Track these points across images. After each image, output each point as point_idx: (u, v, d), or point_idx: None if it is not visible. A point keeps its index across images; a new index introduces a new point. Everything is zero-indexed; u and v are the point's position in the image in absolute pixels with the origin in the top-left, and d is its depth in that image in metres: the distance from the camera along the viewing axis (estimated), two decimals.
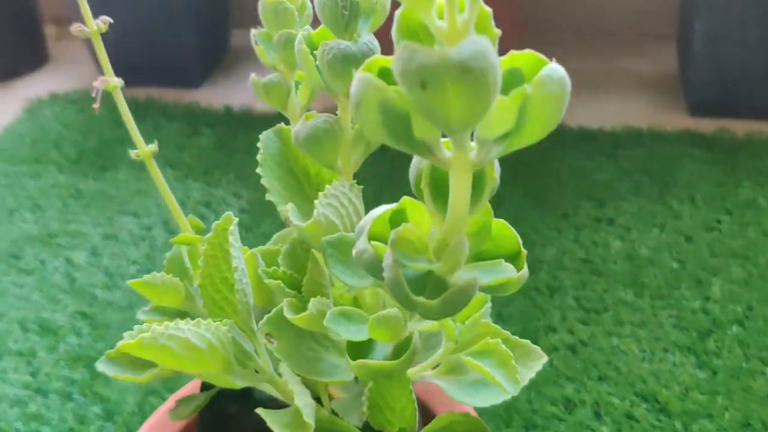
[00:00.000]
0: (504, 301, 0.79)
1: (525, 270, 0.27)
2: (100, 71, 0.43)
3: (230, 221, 0.36)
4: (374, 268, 0.27)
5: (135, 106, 1.22)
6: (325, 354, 0.37)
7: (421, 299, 0.24)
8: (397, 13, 0.23)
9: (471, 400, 0.36)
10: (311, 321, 0.33)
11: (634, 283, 0.82)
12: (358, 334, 0.32)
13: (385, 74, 0.23)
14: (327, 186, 0.34)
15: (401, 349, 0.32)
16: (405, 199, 0.28)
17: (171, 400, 0.51)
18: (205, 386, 0.47)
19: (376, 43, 0.34)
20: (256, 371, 0.36)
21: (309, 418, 0.32)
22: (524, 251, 0.28)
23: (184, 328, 0.32)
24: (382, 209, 0.28)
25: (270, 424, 0.32)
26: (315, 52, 0.35)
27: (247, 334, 0.36)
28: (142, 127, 1.17)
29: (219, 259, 0.36)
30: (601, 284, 0.82)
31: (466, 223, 0.25)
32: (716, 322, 0.77)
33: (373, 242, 0.27)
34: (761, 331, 0.75)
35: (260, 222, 0.95)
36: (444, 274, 0.25)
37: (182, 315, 0.45)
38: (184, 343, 0.31)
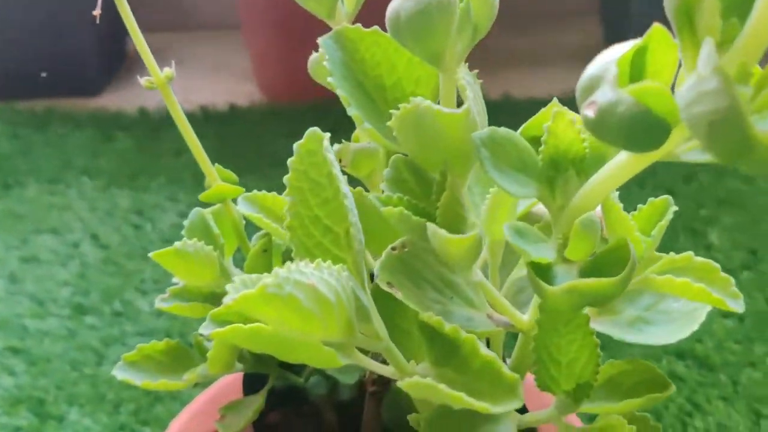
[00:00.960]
0: None
1: None
2: None
3: (320, 138, 0.26)
4: (640, 124, 0.18)
5: (34, 118, 1.07)
6: (451, 306, 0.28)
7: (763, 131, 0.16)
8: None
9: (642, 337, 0.28)
10: (470, 248, 0.24)
11: None
12: (542, 251, 0.23)
13: None
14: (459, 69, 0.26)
15: (595, 268, 0.24)
16: (654, 28, 0.20)
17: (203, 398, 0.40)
18: (249, 386, 0.37)
19: None
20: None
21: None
22: None
23: (307, 272, 0.22)
24: (618, 50, 0.20)
25: None
26: None
27: (363, 288, 0.26)
28: (46, 138, 1.01)
29: (306, 192, 0.27)
30: None
31: None
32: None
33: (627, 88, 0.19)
34: None
35: None
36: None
37: (214, 299, 0.35)
38: (312, 293, 0.22)
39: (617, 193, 0.27)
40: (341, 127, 0.93)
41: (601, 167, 0.24)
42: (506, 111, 1.03)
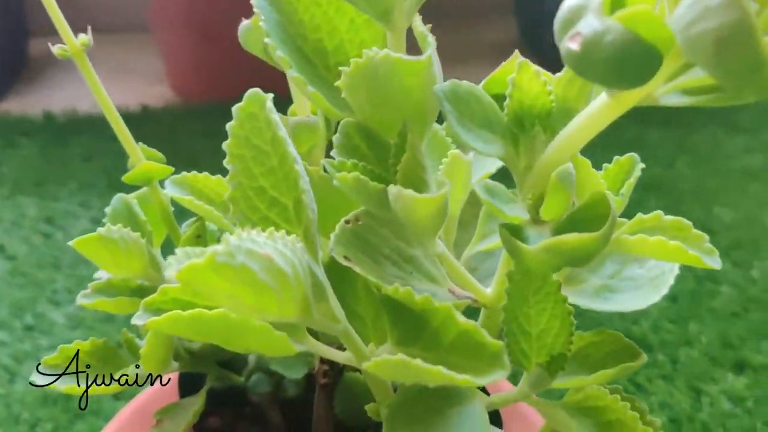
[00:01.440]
0: None
1: None
2: None
3: (262, 99, 0.24)
4: (630, 57, 0.17)
5: None
6: (412, 281, 0.26)
7: None
8: None
9: (609, 304, 0.27)
10: (438, 210, 0.22)
11: None
12: (514, 210, 0.22)
13: None
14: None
15: (571, 226, 0.22)
16: None
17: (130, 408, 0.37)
18: (185, 387, 0.34)
19: None
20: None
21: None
22: None
23: (260, 241, 0.19)
24: None
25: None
26: None
27: (317, 262, 0.23)
28: None
29: (248, 160, 0.24)
30: None
31: None
32: None
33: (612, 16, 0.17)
34: None
35: None
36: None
37: (142, 292, 0.32)
38: (267, 264, 0.19)
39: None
40: None
41: (569, 122, 0.23)
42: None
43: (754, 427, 0.55)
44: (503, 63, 0.26)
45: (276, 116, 0.24)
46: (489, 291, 0.26)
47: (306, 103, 0.31)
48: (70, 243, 0.29)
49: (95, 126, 0.98)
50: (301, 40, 0.29)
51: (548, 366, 0.25)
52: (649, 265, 0.28)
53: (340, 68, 0.25)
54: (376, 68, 0.23)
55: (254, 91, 0.24)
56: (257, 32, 0.31)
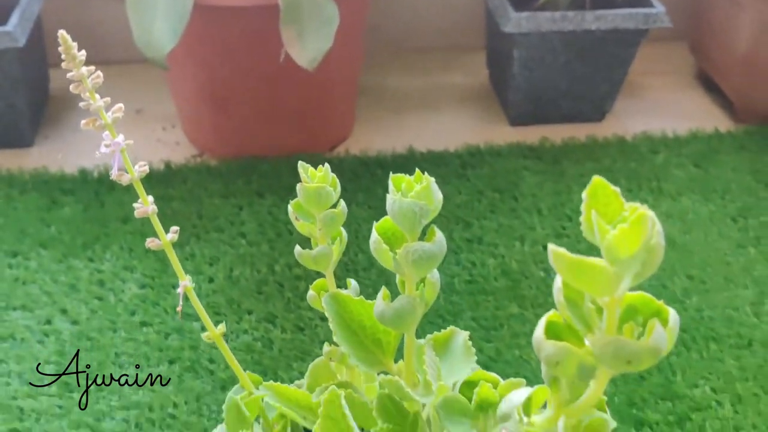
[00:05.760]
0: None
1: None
2: None
3: (337, 396, 0.43)
4: None
5: None
6: None
7: None
8: (558, 285, 0.33)
9: None
10: None
11: (516, 297, 0.97)
12: None
13: (554, 327, 0.33)
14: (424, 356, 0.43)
15: None
16: (537, 388, 0.37)
17: None
18: None
19: (444, 241, 0.42)
20: None
21: None
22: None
23: None
24: (519, 396, 0.37)
25: None
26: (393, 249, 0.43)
27: None
28: None
29: (331, 427, 0.43)
30: (491, 302, 0.97)
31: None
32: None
33: (523, 423, 0.36)
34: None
35: (165, 294, 0.96)
36: None
37: None
38: None
39: None
40: (268, 183, 1.18)
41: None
42: (411, 164, 1.20)
43: None
44: (473, 372, 0.45)
45: (344, 401, 0.43)
46: None
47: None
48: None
49: (128, 189, 1.15)
50: (350, 321, 0.48)
51: None
52: None
53: (371, 341, 0.44)
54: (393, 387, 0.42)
55: (333, 391, 0.43)
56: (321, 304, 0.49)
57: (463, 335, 0.51)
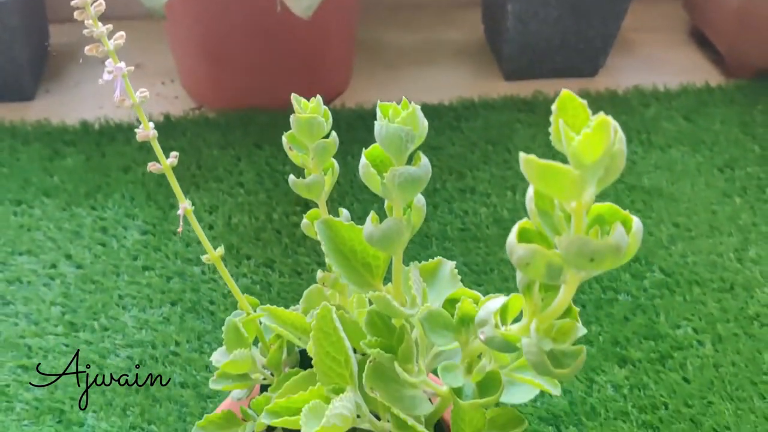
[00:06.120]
0: None
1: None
2: None
3: (329, 310, 0.46)
4: (504, 347, 0.39)
5: None
6: (404, 391, 0.49)
7: (560, 371, 0.38)
8: (530, 194, 0.35)
9: (508, 399, 0.51)
10: (419, 382, 0.45)
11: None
12: (456, 381, 0.45)
13: (526, 233, 0.36)
14: (410, 274, 0.46)
15: (484, 386, 0.45)
16: (512, 296, 0.40)
17: None
18: None
19: (428, 163, 0.45)
20: (358, 416, 0.48)
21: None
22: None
23: (339, 405, 0.42)
24: (495, 304, 0.40)
25: None
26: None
27: (355, 389, 0.46)
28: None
29: (322, 340, 0.46)
30: (483, 248, 0.99)
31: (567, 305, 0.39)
32: None
33: (499, 328, 0.39)
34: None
35: (167, 240, 0.99)
36: (562, 345, 0.39)
37: (245, 377, 0.55)
38: (342, 417, 0.42)
39: None
40: (266, 134, 1.22)
41: None
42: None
43: (626, 410, 0.81)
44: (457, 289, 0.48)
45: (335, 315, 0.46)
46: (444, 388, 0.49)
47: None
48: (213, 358, 0.51)
49: (126, 137, 1.17)
50: (342, 245, 0.51)
51: None
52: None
53: (361, 265, 0.47)
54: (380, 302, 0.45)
55: (325, 306, 0.46)
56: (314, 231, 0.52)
57: (449, 264, 0.54)
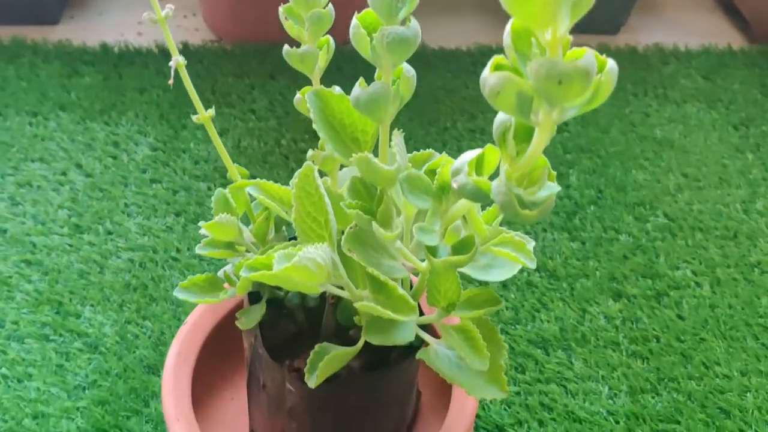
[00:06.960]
0: None
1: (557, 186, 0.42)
2: None
3: (312, 169, 0.46)
4: (475, 195, 0.40)
5: (2, 47, 1.19)
6: (383, 260, 0.49)
7: (526, 212, 0.38)
8: (507, 30, 0.36)
9: (487, 277, 0.51)
10: (395, 238, 0.45)
11: None
12: (432, 240, 0.45)
13: (500, 67, 0.36)
14: (394, 140, 0.46)
15: (459, 248, 0.46)
16: (488, 147, 0.41)
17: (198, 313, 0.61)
18: (252, 299, 0.58)
19: (418, 26, 0.45)
20: (338, 286, 0.48)
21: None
22: (554, 173, 0.43)
23: (313, 251, 0.43)
24: (471, 154, 0.41)
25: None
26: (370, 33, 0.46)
27: (333, 250, 0.47)
28: (18, 72, 1.19)
29: (304, 199, 0.47)
30: None
31: (539, 158, 0.39)
32: (578, 204, 0.98)
33: (472, 176, 0.40)
34: (611, 208, 0.97)
35: (176, 157, 1.01)
36: (532, 195, 0.39)
37: (231, 246, 0.56)
38: (315, 262, 0.43)
39: None
40: (281, 67, 1.24)
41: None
42: (422, 58, 1.22)
43: (617, 340, 0.81)
44: (437, 157, 0.49)
45: (318, 179, 0.47)
46: (424, 264, 0.50)
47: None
48: (201, 228, 0.52)
49: (145, 61, 1.19)
50: (331, 118, 0.51)
51: (447, 307, 0.49)
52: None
53: (349, 139, 0.48)
54: (369, 162, 0.46)
55: (308, 166, 0.47)
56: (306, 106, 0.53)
57: (441, 154, 0.54)
